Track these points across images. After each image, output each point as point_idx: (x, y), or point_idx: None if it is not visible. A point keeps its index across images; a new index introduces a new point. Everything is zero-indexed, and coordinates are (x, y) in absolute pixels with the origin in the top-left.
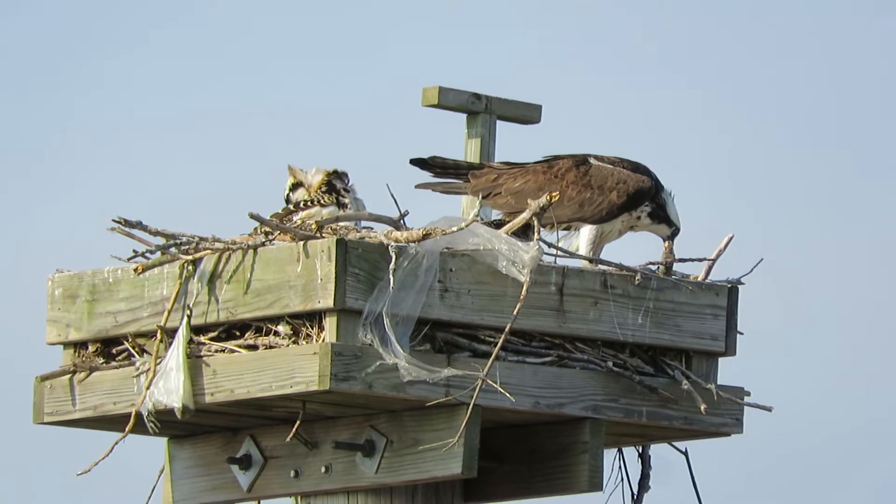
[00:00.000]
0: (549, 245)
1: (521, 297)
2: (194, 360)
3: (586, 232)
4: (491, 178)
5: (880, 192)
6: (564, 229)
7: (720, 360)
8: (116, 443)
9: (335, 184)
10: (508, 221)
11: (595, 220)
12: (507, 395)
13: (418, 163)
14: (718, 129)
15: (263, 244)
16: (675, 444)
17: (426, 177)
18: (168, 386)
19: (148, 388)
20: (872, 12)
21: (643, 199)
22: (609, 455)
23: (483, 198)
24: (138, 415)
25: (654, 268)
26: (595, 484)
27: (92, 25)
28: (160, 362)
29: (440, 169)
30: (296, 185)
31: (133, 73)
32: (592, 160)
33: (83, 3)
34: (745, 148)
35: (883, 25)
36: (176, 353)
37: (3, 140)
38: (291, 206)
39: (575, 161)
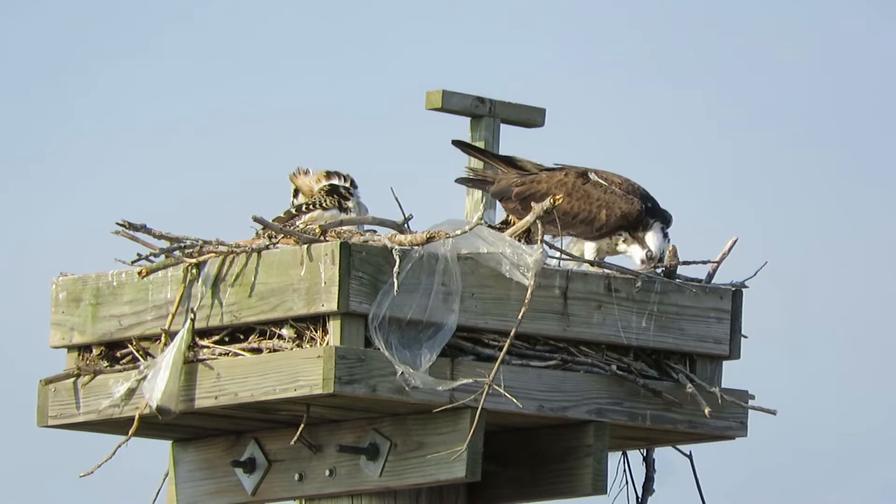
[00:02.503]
0: (553, 248)
1: (526, 300)
2: (194, 365)
3: (587, 246)
4: (510, 181)
5: (881, 194)
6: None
7: (724, 363)
8: (120, 445)
9: (337, 187)
10: (512, 225)
11: (586, 237)
12: (513, 399)
13: (459, 144)
14: (719, 132)
15: (267, 247)
16: (679, 447)
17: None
18: (152, 383)
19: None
20: (873, 15)
21: (630, 221)
22: (613, 458)
23: (499, 200)
24: (142, 418)
25: (658, 271)
26: (599, 487)
27: (93, 27)
28: (157, 359)
29: (479, 155)
30: (297, 191)
31: (135, 76)
32: (592, 175)
33: (84, 5)
34: (746, 151)
35: (884, 28)
36: (169, 354)
37: (6, 143)
38: (293, 210)
39: (575, 174)
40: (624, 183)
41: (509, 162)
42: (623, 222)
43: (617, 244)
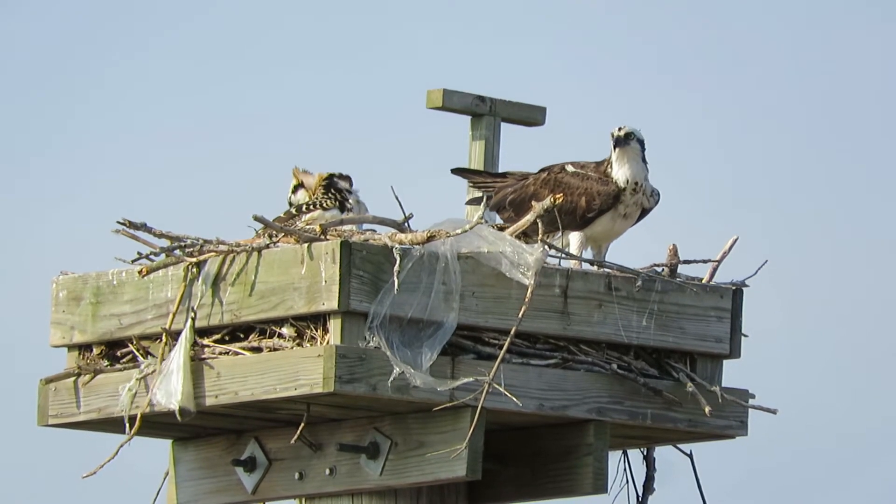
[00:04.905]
0: (553, 247)
1: (527, 299)
2: (197, 363)
3: (574, 238)
4: (505, 192)
5: (881, 194)
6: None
7: (725, 362)
8: (122, 445)
9: (338, 186)
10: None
11: (573, 228)
12: (513, 398)
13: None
14: (719, 131)
15: (268, 246)
16: (679, 446)
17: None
18: (168, 388)
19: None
20: (872, 15)
21: (609, 203)
22: (614, 457)
23: (496, 212)
24: (143, 417)
25: (658, 270)
26: (599, 486)
27: (95, 28)
28: (163, 364)
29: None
30: (297, 187)
31: (137, 76)
32: (569, 167)
33: (85, 5)
34: (745, 151)
35: (884, 28)
36: (178, 356)
37: (8, 142)
38: (294, 210)
39: (553, 171)
40: (598, 167)
41: (506, 178)
42: (602, 205)
43: (623, 215)
